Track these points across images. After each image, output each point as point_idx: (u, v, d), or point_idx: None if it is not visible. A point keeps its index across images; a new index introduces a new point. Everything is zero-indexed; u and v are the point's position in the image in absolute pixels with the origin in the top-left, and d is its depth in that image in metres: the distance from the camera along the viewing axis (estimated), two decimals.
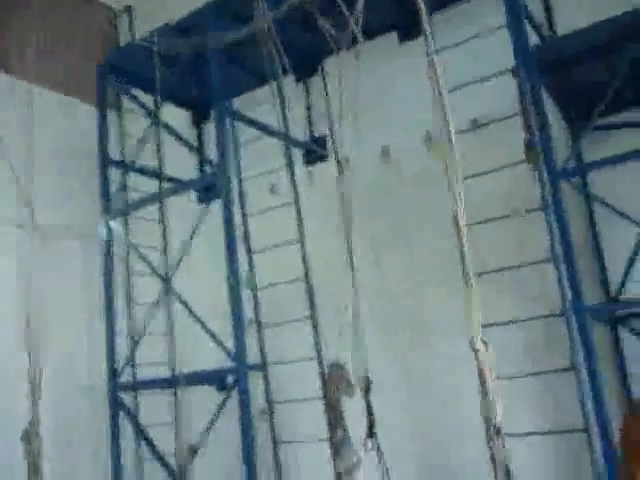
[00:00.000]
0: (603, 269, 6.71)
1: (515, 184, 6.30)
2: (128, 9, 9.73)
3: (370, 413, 4.35)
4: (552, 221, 5.25)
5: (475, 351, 2.83)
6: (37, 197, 7.15)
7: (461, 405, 6.03)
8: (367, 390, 4.42)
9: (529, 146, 5.22)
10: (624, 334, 6.49)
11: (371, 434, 4.39)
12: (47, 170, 8.10)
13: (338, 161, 4.92)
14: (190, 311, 7.69)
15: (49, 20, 9.27)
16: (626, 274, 6.42)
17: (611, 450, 4.94)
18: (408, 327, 7.71)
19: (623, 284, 6.47)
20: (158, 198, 8.21)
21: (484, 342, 2.83)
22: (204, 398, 7.80)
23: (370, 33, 8.00)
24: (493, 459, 2.78)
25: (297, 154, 8.82)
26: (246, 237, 8.24)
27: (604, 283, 6.69)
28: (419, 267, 7.80)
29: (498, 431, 2.77)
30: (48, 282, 7.29)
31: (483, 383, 2.82)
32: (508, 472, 2.78)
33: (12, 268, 6.70)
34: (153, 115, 8.72)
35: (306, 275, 7.73)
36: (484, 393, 2.84)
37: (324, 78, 8.91)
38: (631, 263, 6.38)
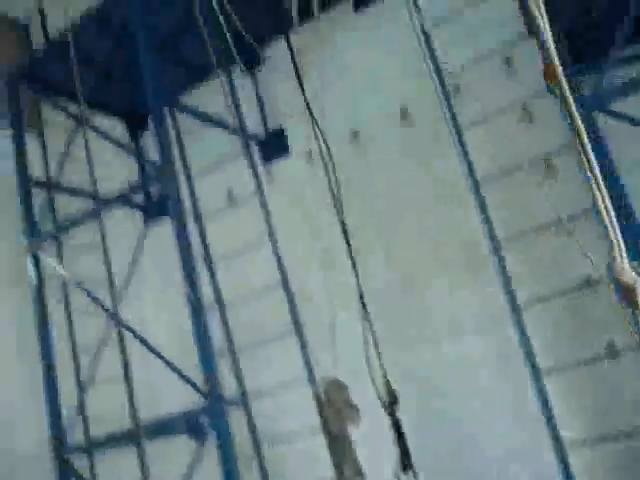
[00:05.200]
0: None
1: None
2: (39, 11, 8.48)
3: (401, 437, 3.20)
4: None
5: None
6: None
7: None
8: (393, 406, 3.32)
9: (547, 64, 4.16)
10: None
11: (406, 466, 3.21)
12: None
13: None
14: (146, 345, 6.33)
15: None
16: None
17: None
18: (407, 325, 6.55)
19: None
20: (93, 217, 6.86)
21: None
22: (177, 449, 6.39)
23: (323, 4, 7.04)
24: None
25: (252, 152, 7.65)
26: (205, 249, 6.91)
27: None
28: (408, 258, 6.68)
29: None
30: None
31: None
32: None
33: None
34: (80, 123, 7.43)
35: (283, 282, 6.42)
36: None
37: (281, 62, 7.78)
38: None
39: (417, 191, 6.88)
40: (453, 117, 5.15)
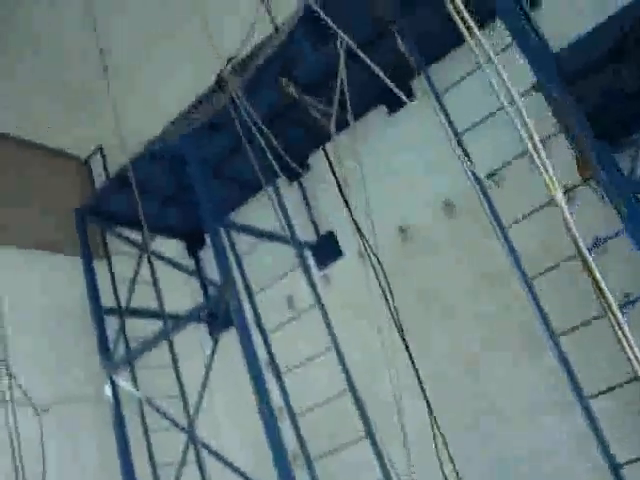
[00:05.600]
0: None
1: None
2: (99, 150, 9.23)
3: None
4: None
5: None
6: (30, 367, 6.28)
7: None
8: None
9: (581, 158, 4.36)
10: None
11: None
12: (41, 334, 7.32)
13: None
14: (222, 460, 6.47)
15: (20, 182, 8.76)
16: None
17: None
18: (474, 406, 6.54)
19: None
20: (163, 338, 7.22)
21: None
22: None
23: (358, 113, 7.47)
24: None
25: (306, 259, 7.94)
26: (271, 358, 7.09)
27: None
28: (468, 340, 6.77)
29: None
30: (58, 462, 6.23)
31: None
32: None
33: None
34: (144, 250, 7.94)
35: (351, 386, 6.51)
36: None
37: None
38: None
39: (468, 275, 7.01)
40: (494, 212, 5.33)
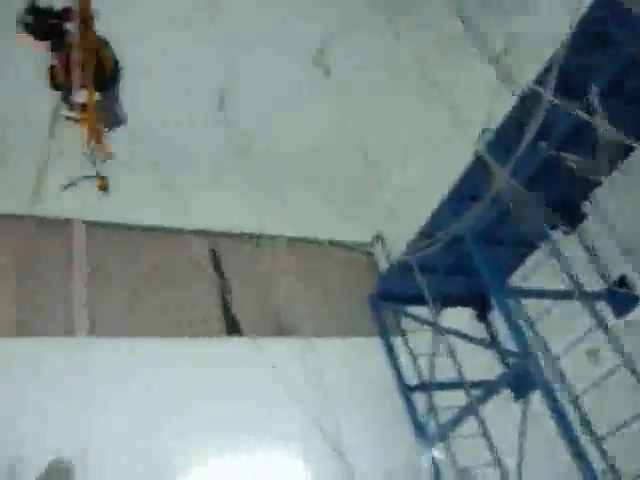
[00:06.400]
0: None
1: None
2: (378, 238, 10.08)
3: None
4: None
5: None
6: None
7: None
8: None
9: None
10: None
11: None
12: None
13: None
14: None
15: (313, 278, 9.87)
16: None
17: None
18: None
19: None
20: (470, 413, 7.43)
21: None
22: None
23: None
24: None
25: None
26: (584, 421, 6.80)
27: None
28: None
29: None
30: None
31: None
32: None
33: None
34: (434, 325, 8.37)
35: None
36: None
37: None
38: None
39: None
40: None
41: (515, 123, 6.67)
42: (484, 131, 7.40)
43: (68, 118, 5.38)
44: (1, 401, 7.24)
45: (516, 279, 8.56)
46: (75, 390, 6.94)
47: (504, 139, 6.76)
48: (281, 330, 9.10)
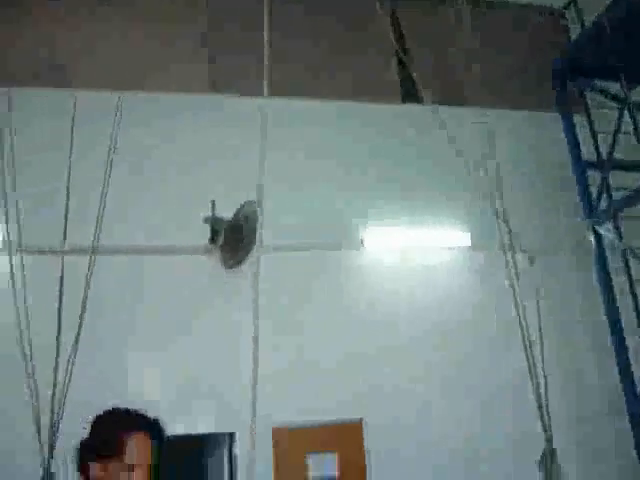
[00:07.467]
0: None
1: None
2: (570, 4, 9.08)
3: None
4: None
5: None
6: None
7: None
8: None
9: None
10: None
11: None
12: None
13: None
14: None
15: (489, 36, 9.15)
16: None
17: None
18: None
19: None
20: None
21: None
22: None
23: None
24: None
25: None
26: None
27: None
28: None
29: None
30: None
31: None
32: None
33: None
34: (623, 102, 7.81)
35: None
36: None
37: None
38: None
39: None
40: None
41: None
42: None
43: None
44: None
45: None
46: None
47: None
48: (458, 99, 8.83)
